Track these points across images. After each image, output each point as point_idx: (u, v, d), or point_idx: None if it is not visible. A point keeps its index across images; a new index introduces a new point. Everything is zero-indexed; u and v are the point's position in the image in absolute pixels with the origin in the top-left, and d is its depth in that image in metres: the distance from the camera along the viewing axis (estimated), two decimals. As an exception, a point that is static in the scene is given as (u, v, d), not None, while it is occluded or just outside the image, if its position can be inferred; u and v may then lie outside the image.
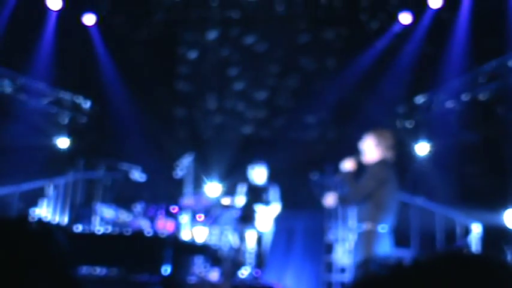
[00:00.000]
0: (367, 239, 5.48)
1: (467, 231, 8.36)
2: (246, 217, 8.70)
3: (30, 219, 1.34)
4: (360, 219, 5.61)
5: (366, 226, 5.51)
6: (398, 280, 1.10)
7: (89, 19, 10.98)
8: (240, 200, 8.90)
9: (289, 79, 11.54)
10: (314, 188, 9.78)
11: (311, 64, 11.55)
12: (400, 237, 7.34)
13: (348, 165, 5.80)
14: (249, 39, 11.61)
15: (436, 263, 1.10)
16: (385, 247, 5.47)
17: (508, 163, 8.71)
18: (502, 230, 8.41)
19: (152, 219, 8.13)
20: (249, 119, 11.63)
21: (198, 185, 9.17)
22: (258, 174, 9.04)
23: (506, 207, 8.43)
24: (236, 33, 11.65)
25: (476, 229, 8.24)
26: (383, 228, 5.52)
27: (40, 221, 1.33)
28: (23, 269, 1.22)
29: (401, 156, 9.15)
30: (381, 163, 5.70)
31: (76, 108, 11.32)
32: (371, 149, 5.73)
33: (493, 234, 8.31)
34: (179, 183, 8.65)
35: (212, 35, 11.61)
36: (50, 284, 1.24)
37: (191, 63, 11.80)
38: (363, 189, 5.61)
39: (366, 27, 10.89)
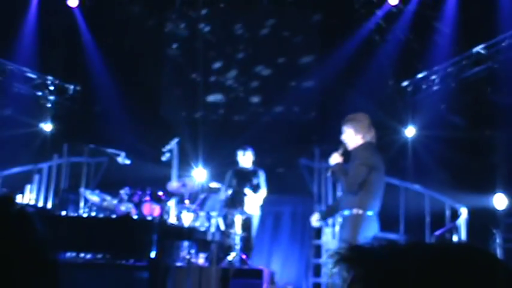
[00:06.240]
0: (353, 222, 5.44)
1: (456, 215, 8.34)
2: (234, 201, 8.63)
3: (13, 200, 1.24)
4: (348, 205, 5.56)
5: (354, 211, 5.48)
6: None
7: (73, 1, 10.80)
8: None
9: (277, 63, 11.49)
10: (303, 172, 9.78)
11: (298, 47, 11.50)
12: (389, 220, 7.31)
13: (334, 159, 5.80)
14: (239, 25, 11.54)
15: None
16: (372, 230, 5.44)
17: (496, 146, 8.71)
18: (491, 213, 8.41)
19: (138, 204, 8.02)
20: (237, 104, 11.57)
21: (184, 169, 9.09)
22: (246, 158, 8.98)
23: (494, 191, 8.41)
24: (224, 17, 11.56)
25: (465, 212, 8.22)
26: (370, 212, 5.50)
27: (20, 205, 1.23)
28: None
29: (388, 141, 9.15)
30: (367, 148, 5.67)
31: (60, 92, 11.16)
32: (352, 137, 5.74)
33: (482, 218, 8.30)
34: (165, 168, 8.57)
35: (201, 12, 11.47)
36: (28, 268, 1.15)
37: (179, 44, 11.70)
38: (357, 177, 5.55)
39: (353, 10, 10.83)
